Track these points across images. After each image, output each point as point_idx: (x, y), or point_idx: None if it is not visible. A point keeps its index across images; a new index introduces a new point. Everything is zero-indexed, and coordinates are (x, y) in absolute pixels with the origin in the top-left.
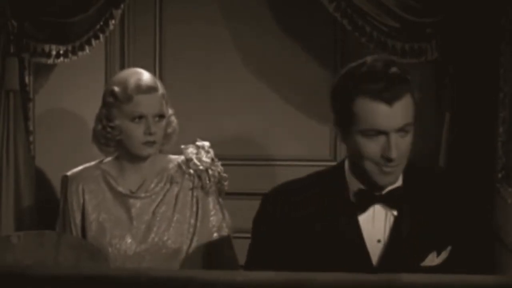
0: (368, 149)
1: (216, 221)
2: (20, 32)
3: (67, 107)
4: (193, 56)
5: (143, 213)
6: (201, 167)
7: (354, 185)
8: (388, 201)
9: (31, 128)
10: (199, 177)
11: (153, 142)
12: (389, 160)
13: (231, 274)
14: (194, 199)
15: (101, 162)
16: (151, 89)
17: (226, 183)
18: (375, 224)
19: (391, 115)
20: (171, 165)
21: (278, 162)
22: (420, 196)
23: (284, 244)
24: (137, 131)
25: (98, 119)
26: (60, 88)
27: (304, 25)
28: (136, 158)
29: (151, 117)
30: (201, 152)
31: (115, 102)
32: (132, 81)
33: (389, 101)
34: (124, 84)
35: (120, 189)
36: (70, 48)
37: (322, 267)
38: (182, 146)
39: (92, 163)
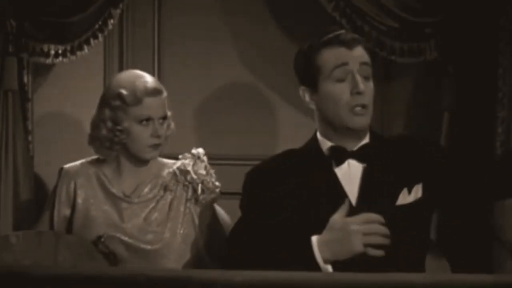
0: (338, 90)
1: (213, 227)
2: (19, 32)
3: (65, 107)
4: (192, 55)
5: (135, 217)
6: (197, 181)
7: (327, 144)
8: (360, 155)
9: (29, 128)
10: (194, 189)
11: (159, 145)
12: (358, 93)
13: (230, 274)
14: (188, 209)
15: (98, 159)
16: (157, 91)
17: (218, 190)
18: (352, 180)
19: (352, 55)
20: (165, 172)
21: None
22: (387, 148)
23: (272, 211)
24: (144, 133)
25: (102, 122)
26: (58, 88)
27: (303, 24)
28: (136, 161)
29: (157, 120)
30: (198, 164)
31: (121, 105)
32: (139, 84)
33: (349, 46)
34: (132, 87)
35: (114, 190)
36: (68, 48)
37: (308, 223)
38: (180, 156)
39: (89, 159)
